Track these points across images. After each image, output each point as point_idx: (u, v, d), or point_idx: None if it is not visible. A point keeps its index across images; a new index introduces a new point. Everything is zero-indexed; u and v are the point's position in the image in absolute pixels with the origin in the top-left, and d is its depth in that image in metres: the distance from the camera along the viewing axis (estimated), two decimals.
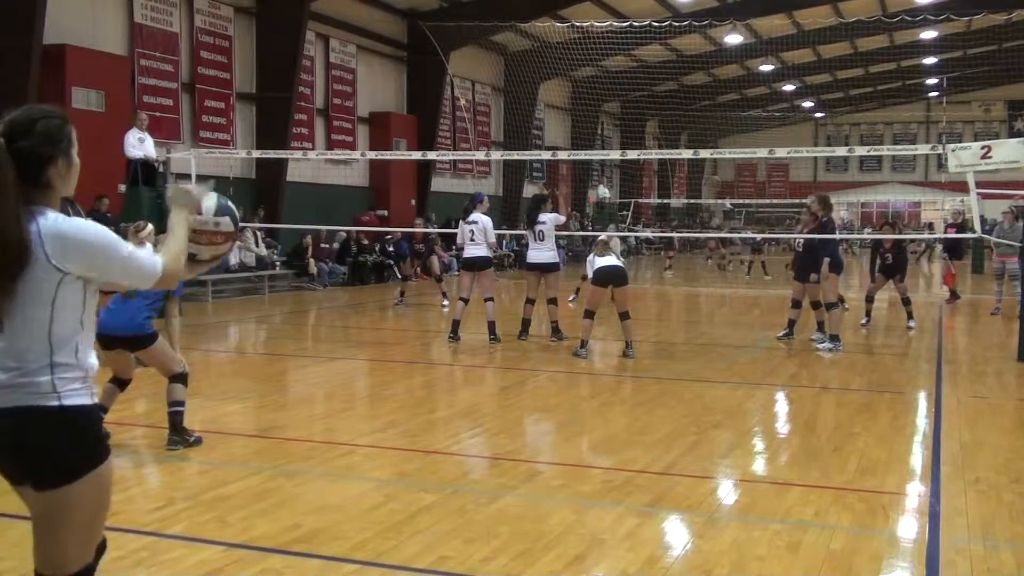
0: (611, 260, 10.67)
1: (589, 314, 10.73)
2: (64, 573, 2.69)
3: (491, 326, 11.78)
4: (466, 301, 11.94)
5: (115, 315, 6.22)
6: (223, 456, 6.20)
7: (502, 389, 9.22)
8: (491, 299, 11.97)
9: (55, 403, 2.59)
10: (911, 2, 27.34)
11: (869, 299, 14.12)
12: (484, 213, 12.10)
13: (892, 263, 13.76)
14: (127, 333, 6.22)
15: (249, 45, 20.48)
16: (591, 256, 11.11)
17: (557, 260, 12.35)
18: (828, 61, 36.59)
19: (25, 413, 2.57)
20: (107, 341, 6.28)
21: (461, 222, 12.24)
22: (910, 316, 13.69)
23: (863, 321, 13.79)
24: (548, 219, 11.97)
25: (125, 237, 6.00)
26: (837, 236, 12.01)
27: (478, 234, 11.88)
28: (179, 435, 6.29)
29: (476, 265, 12.01)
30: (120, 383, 6.52)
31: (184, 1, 18.62)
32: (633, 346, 10.72)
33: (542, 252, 11.96)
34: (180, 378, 6.38)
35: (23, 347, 2.58)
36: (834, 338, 11.33)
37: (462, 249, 12.29)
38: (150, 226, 6.70)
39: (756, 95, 41.68)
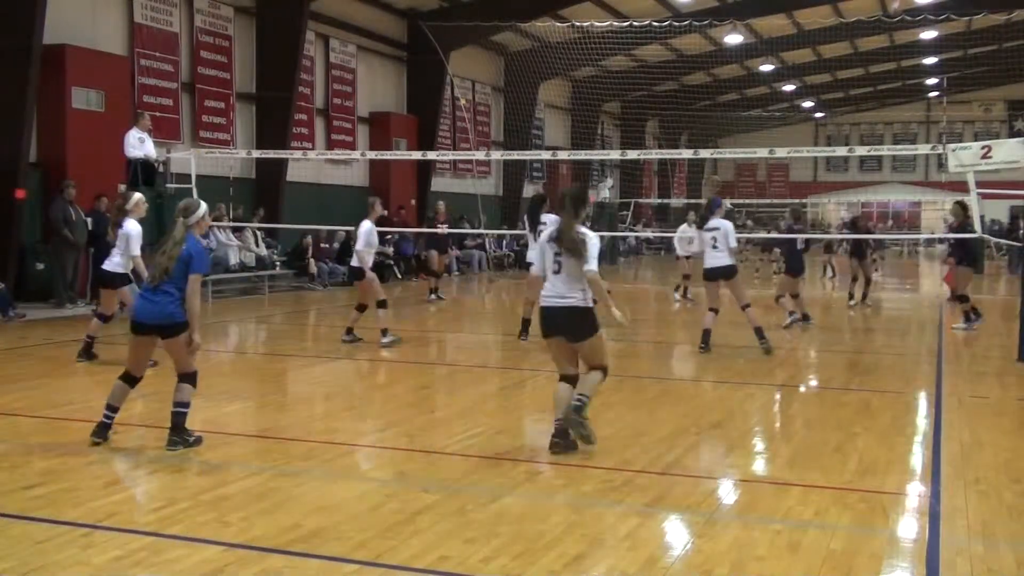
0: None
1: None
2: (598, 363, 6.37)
3: (758, 331, 11.00)
4: (716, 311, 11.06)
5: (149, 305, 6.31)
6: (223, 456, 6.19)
7: (502, 389, 9.23)
8: (748, 305, 11.12)
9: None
10: (911, 2, 27.33)
11: (855, 279, 16.64)
12: (723, 217, 11.13)
13: (850, 250, 16.70)
14: (161, 321, 6.29)
15: (249, 45, 20.47)
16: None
17: None
18: (828, 61, 36.56)
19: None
20: (141, 328, 6.34)
21: (698, 230, 11.42)
22: (864, 296, 16.19)
23: (850, 303, 16.17)
24: (549, 220, 11.94)
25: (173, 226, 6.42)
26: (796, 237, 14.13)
27: (720, 240, 10.91)
28: (180, 435, 6.28)
29: (724, 274, 10.96)
30: (131, 380, 6.50)
31: (184, 1, 18.61)
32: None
33: None
34: (190, 378, 6.38)
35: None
36: (793, 314, 13.35)
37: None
38: (203, 206, 6.67)
39: (756, 95, 41.63)
